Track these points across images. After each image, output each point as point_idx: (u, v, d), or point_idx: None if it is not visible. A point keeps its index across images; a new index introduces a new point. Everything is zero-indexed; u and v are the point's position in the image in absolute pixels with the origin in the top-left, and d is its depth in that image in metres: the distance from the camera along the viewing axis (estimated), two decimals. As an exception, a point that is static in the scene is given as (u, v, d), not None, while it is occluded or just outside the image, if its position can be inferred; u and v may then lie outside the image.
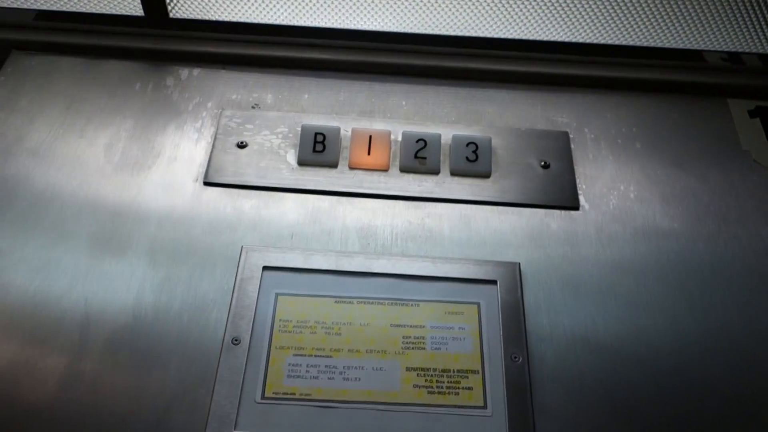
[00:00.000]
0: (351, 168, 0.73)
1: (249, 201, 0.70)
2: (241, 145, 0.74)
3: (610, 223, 0.70)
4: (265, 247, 0.66)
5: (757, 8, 0.75)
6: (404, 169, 0.73)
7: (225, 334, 0.60)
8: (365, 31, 0.81)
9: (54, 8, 0.81)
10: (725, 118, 0.80)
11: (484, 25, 0.80)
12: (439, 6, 0.78)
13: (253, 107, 0.78)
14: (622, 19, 0.78)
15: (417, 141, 0.74)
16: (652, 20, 0.78)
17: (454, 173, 0.73)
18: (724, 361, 0.61)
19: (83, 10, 0.81)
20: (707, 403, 0.59)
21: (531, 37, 0.80)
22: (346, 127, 0.76)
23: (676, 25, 0.78)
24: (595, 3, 0.76)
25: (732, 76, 0.82)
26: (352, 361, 0.59)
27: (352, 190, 0.71)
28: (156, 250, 0.65)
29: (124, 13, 0.81)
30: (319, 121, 0.76)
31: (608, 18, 0.78)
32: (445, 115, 0.79)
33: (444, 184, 0.72)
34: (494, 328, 0.62)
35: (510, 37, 0.80)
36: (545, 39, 0.80)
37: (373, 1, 0.78)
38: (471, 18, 0.79)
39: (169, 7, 0.80)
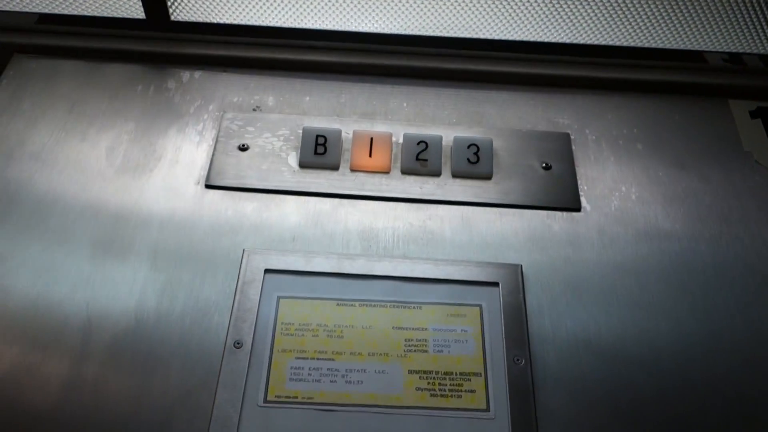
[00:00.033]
0: (352, 170, 0.73)
1: (250, 204, 0.70)
2: (243, 148, 0.74)
3: (611, 225, 0.70)
4: (267, 250, 0.66)
5: (758, 8, 0.75)
6: (405, 171, 0.73)
7: (227, 337, 0.60)
8: (366, 33, 0.81)
9: (56, 11, 0.81)
10: (726, 119, 0.79)
11: (484, 27, 0.80)
12: (440, 8, 0.78)
13: (254, 110, 0.78)
14: (623, 20, 0.78)
15: (418, 143, 0.74)
16: (653, 21, 0.78)
17: (455, 175, 0.73)
18: (727, 362, 0.61)
19: (85, 13, 0.81)
20: (710, 404, 0.59)
21: (532, 39, 0.80)
22: (348, 129, 0.76)
23: (677, 25, 0.78)
24: (596, 4, 0.76)
25: (733, 76, 0.82)
26: (355, 364, 0.59)
27: (353, 193, 0.71)
28: (158, 253, 0.65)
29: (125, 16, 0.81)
30: (321, 123, 0.76)
31: (609, 19, 0.78)
32: (446, 117, 0.79)
33: (445, 186, 0.72)
34: (496, 331, 0.62)
35: (511, 38, 0.80)
36: (546, 40, 0.80)
37: (373, 4, 0.78)
38: (472, 20, 0.79)
39: (171, 10, 0.80)
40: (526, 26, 0.79)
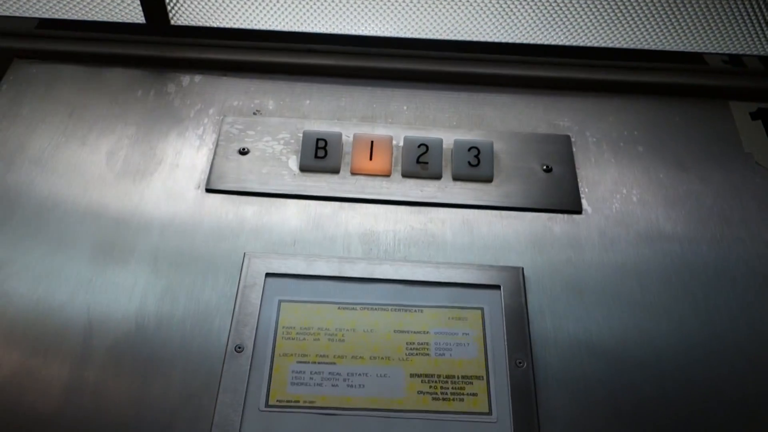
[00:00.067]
0: (353, 174, 0.73)
1: (251, 207, 0.70)
2: (243, 152, 0.74)
3: (612, 227, 0.70)
4: (268, 254, 0.66)
5: (757, 10, 0.75)
6: (406, 175, 0.73)
7: (228, 341, 0.60)
8: (366, 36, 0.81)
9: (56, 16, 0.81)
10: (727, 121, 0.79)
11: (485, 30, 0.80)
12: (440, 11, 0.78)
13: (254, 113, 0.78)
14: (623, 22, 0.78)
15: (419, 146, 0.74)
16: (653, 23, 0.78)
17: (456, 178, 0.73)
18: (729, 364, 0.61)
19: (85, 18, 0.81)
20: (712, 405, 0.59)
21: (532, 41, 0.80)
22: (348, 132, 0.76)
23: (677, 27, 0.78)
24: (596, 6, 0.76)
25: (733, 78, 0.82)
26: (356, 368, 0.59)
27: (354, 196, 0.71)
28: (158, 257, 0.65)
29: (125, 20, 0.81)
30: (321, 126, 0.76)
31: (609, 21, 0.78)
32: (447, 120, 0.79)
33: (446, 189, 0.72)
34: (498, 334, 0.62)
35: (511, 41, 0.80)
36: (546, 43, 0.80)
37: (374, 7, 0.78)
38: (472, 22, 0.79)
39: (171, 15, 0.80)
40: (525, 29, 0.79)
